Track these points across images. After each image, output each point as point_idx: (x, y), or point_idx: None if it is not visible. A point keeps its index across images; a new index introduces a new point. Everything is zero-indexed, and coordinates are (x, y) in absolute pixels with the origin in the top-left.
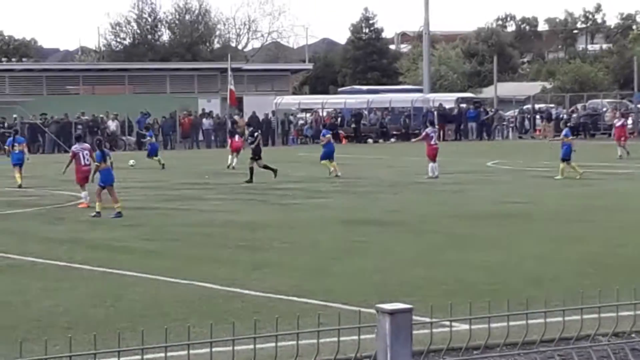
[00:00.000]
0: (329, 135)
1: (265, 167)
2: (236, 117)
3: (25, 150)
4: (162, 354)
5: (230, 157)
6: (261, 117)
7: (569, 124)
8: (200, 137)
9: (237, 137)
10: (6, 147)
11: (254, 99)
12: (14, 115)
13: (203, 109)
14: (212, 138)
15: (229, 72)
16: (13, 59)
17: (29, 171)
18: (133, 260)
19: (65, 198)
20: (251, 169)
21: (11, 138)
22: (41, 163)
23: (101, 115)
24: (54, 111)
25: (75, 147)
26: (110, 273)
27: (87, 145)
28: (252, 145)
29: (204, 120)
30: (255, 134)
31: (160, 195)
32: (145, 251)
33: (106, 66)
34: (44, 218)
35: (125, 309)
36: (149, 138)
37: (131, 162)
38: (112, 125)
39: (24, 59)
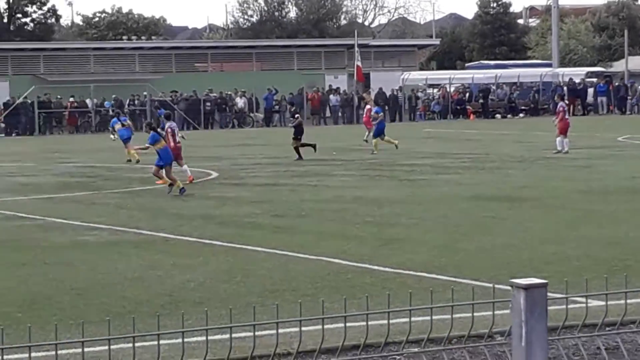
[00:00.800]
0: (382, 114)
1: (298, 148)
2: (364, 94)
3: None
4: (295, 329)
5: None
6: (388, 93)
7: None
8: (328, 114)
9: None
10: (110, 127)
11: (380, 75)
12: (144, 93)
13: (330, 85)
14: (339, 114)
15: (356, 48)
16: (143, 37)
17: None
18: (262, 236)
19: (194, 175)
20: (296, 148)
21: (115, 119)
22: None
23: (229, 92)
24: (183, 88)
25: (171, 124)
26: (240, 249)
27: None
28: (292, 125)
29: (331, 96)
30: (296, 115)
31: (289, 172)
32: (274, 227)
33: (234, 43)
34: (175, 194)
35: (255, 285)
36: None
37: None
38: (240, 102)
39: (153, 37)
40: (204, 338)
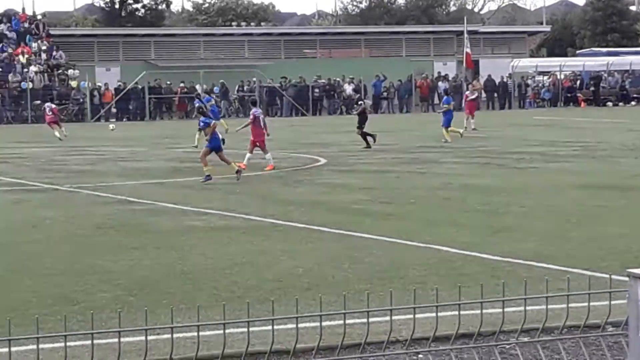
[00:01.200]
0: (452, 103)
1: (364, 134)
2: (474, 82)
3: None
4: (403, 316)
5: (465, 120)
6: (497, 80)
7: None
8: (436, 101)
9: (472, 97)
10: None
11: (490, 62)
12: (253, 79)
13: (439, 72)
14: None
15: (465, 35)
16: (252, 23)
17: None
18: (371, 222)
19: (302, 161)
20: (363, 135)
21: (197, 101)
22: (279, 127)
23: (337, 79)
24: (291, 74)
25: (255, 110)
26: (349, 235)
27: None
28: (355, 112)
29: (440, 83)
30: (360, 102)
31: (397, 159)
32: (382, 214)
33: (343, 30)
34: (283, 180)
35: (363, 271)
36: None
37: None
38: (348, 88)
39: (262, 23)
40: (312, 324)
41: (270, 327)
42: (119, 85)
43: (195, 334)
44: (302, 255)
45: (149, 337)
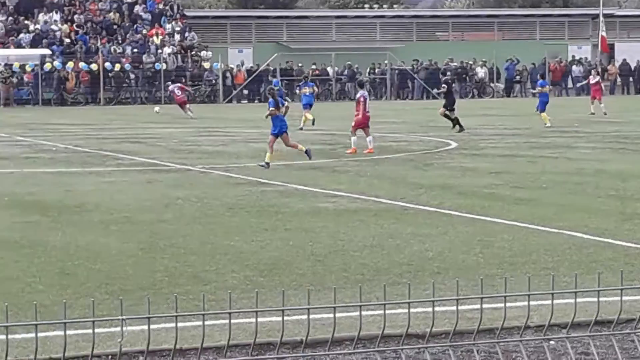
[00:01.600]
0: (547, 87)
1: (455, 119)
2: (609, 66)
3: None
4: (535, 302)
5: (591, 106)
6: (633, 64)
7: None
8: (569, 85)
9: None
10: (297, 91)
11: (625, 46)
12: (385, 62)
13: (573, 56)
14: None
15: (601, 18)
16: (384, 5)
17: (398, 117)
18: (501, 207)
19: (433, 144)
20: (452, 119)
21: (303, 82)
22: (410, 109)
23: (469, 62)
24: (423, 57)
25: (363, 93)
26: (479, 220)
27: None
28: (438, 92)
29: (574, 67)
30: (444, 85)
31: (529, 143)
32: (513, 199)
33: (476, 12)
34: (414, 164)
35: (493, 256)
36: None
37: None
38: (481, 72)
39: (394, 6)
40: (443, 308)
41: (401, 310)
42: (251, 67)
43: (326, 315)
44: (431, 239)
45: (272, 319)
